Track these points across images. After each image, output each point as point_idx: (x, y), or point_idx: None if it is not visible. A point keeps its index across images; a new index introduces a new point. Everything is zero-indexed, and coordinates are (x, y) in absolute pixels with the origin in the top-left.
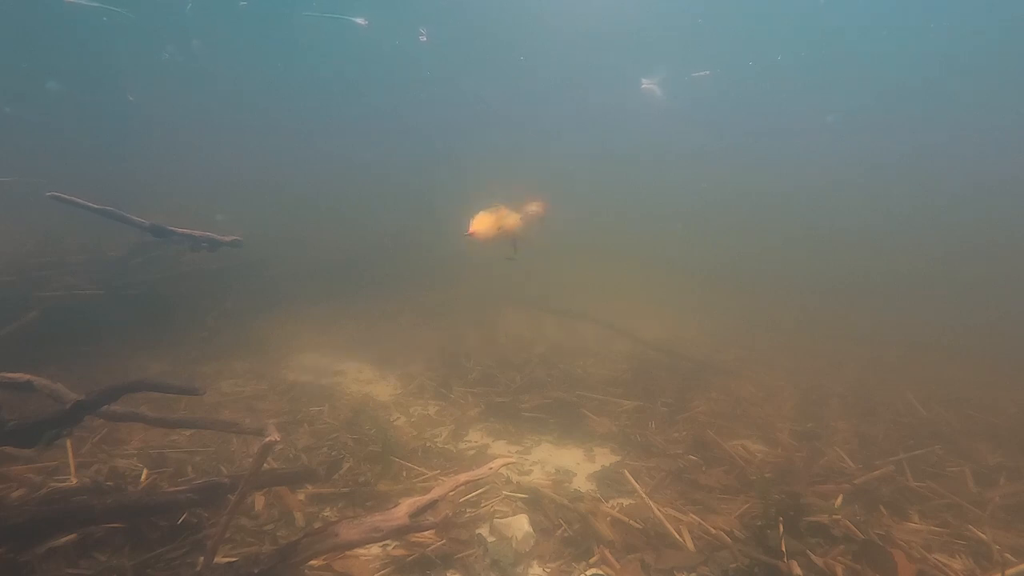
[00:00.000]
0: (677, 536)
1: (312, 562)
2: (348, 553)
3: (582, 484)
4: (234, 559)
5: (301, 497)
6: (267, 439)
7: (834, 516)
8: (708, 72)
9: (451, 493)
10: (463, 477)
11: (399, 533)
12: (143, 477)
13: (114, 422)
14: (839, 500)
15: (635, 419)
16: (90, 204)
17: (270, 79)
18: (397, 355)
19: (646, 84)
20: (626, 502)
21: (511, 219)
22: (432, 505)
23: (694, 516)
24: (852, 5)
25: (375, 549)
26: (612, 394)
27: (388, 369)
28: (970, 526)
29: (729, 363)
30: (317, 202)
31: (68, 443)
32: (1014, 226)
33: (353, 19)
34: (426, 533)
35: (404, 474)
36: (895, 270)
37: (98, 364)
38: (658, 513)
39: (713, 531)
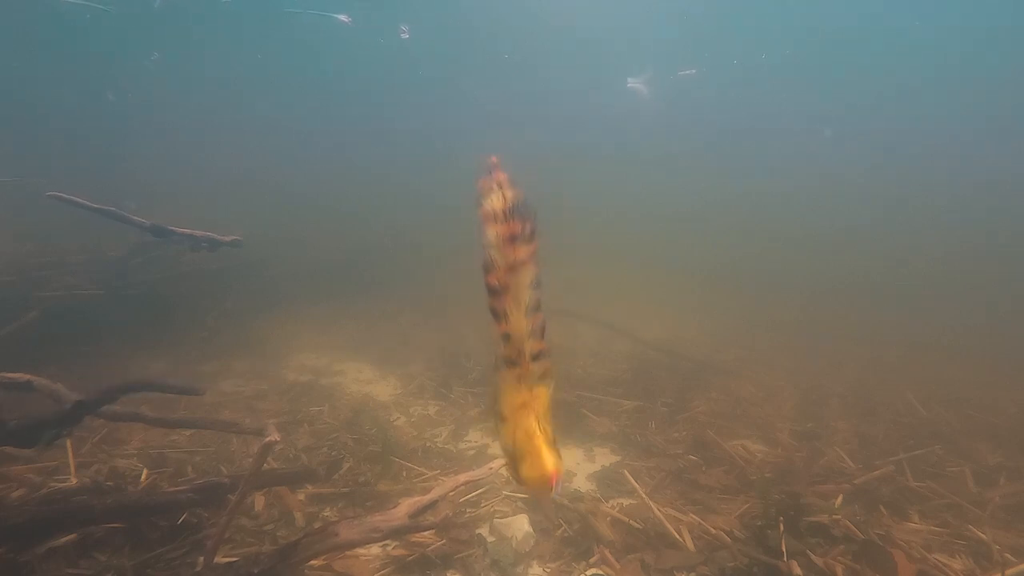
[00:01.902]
0: (677, 536)
1: (312, 562)
2: (348, 553)
3: (582, 484)
4: (234, 559)
5: (301, 497)
6: (267, 439)
7: (834, 516)
8: (694, 71)
9: (451, 493)
10: (463, 477)
11: (399, 533)
12: (143, 477)
13: (114, 422)
14: (839, 500)
15: (635, 419)
16: (90, 204)
17: (266, 78)
18: (397, 355)
19: (632, 83)
20: (626, 502)
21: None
22: (432, 505)
23: (694, 516)
24: (842, 4)
25: (375, 549)
26: (612, 394)
27: (388, 369)
28: (970, 526)
29: (729, 363)
30: (317, 202)
31: (68, 443)
32: (1014, 226)
33: (337, 16)
34: (426, 533)
35: (404, 474)
36: (895, 270)
37: (98, 364)
38: (658, 513)
39: (713, 531)
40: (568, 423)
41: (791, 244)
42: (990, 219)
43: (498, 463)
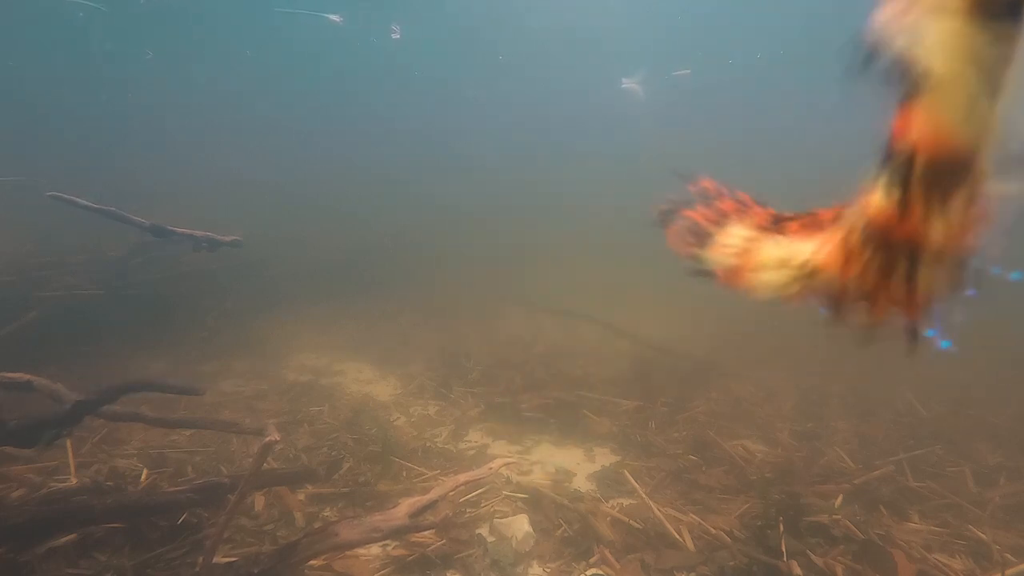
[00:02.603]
0: (677, 536)
1: (312, 562)
2: (348, 553)
3: (582, 484)
4: (234, 559)
5: (301, 497)
6: (267, 439)
7: (834, 516)
8: (689, 71)
9: (451, 493)
10: (463, 477)
11: (399, 533)
12: (143, 477)
13: (114, 422)
14: (839, 500)
15: (635, 419)
16: (90, 204)
17: (263, 78)
18: (397, 355)
19: (627, 83)
20: (626, 502)
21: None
22: (432, 505)
23: (694, 516)
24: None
25: (375, 549)
26: (612, 394)
27: (388, 369)
28: (970, 526)
29: (729, 363)
30: (317, 202)
31: (68, 443)
32: (1014, 224)
33: (329, 16)
34: (426, 533)
35: (404, 474)
36: None
37: (98, 364)
38: (658, 513)
39: (713, 531)
40: (568, 423)
41: None
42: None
43: (498, 463)
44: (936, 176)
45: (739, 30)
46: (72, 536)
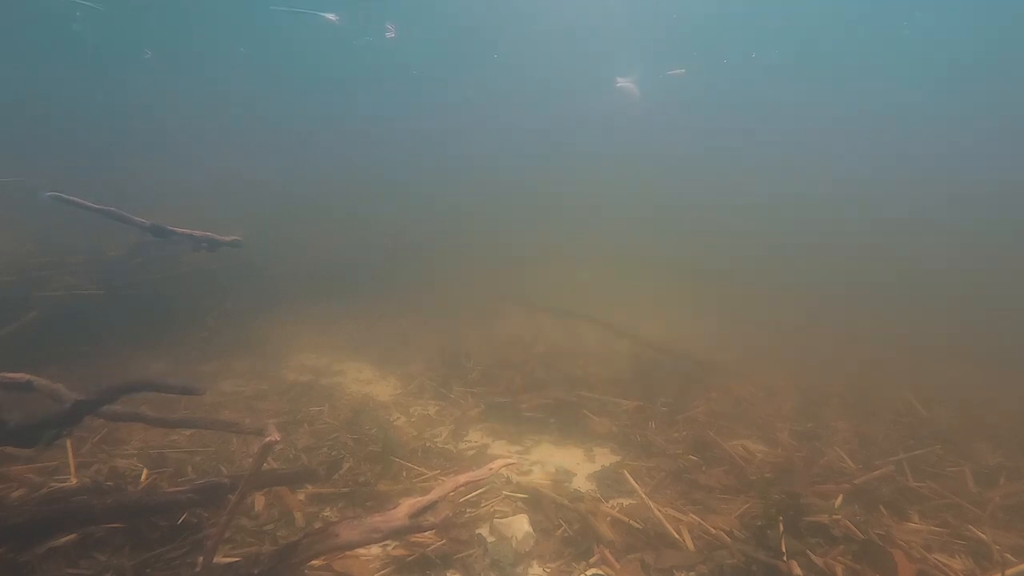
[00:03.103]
0: (677, 536)
1: (312, 562)
2: (348, 553)
3: (582, 484)
4: (234, 559)
5: (301, 497)
6: (267, 439)
7: (834, 516)
8: (683, 70)
9: (451, 493)
10: (463, 478)
11: (399, 533)
12: (143, 477)
13: (114, 422)
14: (839, 500)
15: (635, 419)
16: (90, 204)
17: (263, 78)
18: (397, 355)
19: (621, 82)
20: (626, 502)
21: None
22: (432, 505)
23: (694, 516)
24: (832, 4)
25: (375, 549)
26: (612, 394)
27: (388, 369)
28: (970, 526)
29: (729, 363)
30: (317, 202)
31: (68, 443)
32: (1015, 226)
33: (325, 15)
34: (426, 533)
35: (404, 474)
36: (895, 270)
37: (98, 364)
38: (658, 513)
39: (713, 531)
40: (568, 423)
41: (790, 244)
42: (990, 219)
43: (498, 464)
44: None
45: (736, 30)
46: (72, 536)
